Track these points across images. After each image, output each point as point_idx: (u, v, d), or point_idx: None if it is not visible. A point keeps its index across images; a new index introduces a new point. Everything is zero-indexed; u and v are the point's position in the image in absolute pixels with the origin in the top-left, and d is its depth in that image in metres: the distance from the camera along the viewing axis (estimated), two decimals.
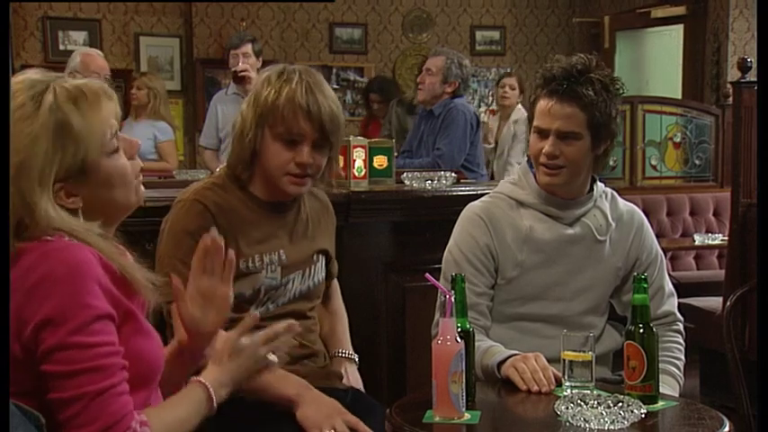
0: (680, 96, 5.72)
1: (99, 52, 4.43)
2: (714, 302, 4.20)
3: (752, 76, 4.34)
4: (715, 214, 5.29)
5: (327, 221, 2.02)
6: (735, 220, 4.04)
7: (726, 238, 4.79)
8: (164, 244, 1.80)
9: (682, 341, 2.03)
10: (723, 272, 4.81)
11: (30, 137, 1.23)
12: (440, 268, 2.01)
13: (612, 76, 1.94)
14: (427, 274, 1.61)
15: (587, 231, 1.99)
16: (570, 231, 1.98)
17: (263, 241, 1.84)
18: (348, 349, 2.02)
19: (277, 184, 1.82)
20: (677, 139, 5.35)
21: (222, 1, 6.39)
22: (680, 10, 5.68)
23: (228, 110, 4.36)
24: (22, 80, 1.27)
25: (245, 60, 4.26)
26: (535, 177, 1.98)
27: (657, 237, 5.69)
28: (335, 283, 2.11)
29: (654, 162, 5.32)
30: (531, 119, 1.98)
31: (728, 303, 2.05)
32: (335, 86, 6.78)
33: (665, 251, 4.69)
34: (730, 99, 5.37)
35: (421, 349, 2.14)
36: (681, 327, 2.04)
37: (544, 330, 1.96)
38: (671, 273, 4.68)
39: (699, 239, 4.70)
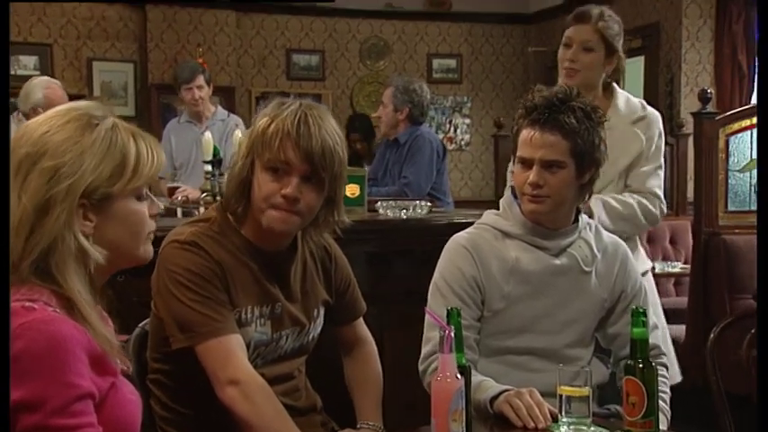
0: None
1: (57, 82, 4.32)
2: (675, 330, 4.24)
3: (712, 107, 4.45)
4: (671, 242, 5.36)
5: (336, 271, 1.88)
6: (697, 249, 4.09)
7: (685, 266, 4.87)
8: (170, 293, 1.64)
9: (666, 374, 2.02)
10: (679, 299, 4.88)
11: (77, 146, 1.23)
12: (419, 299, 1.96)
13: (594, 105, 1.94)
14: (428, 309, 1.57)
15: (574, 262, 1.96)
16: (557, 262, 1.95)
17: (256, 292, 1.71)
18: (378, 422, 1.86)
19: (261, 220, 1.68)
20: None
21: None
22: (636, 42, 5.79)
23: (181, 138, 4.31)
24: (75, 106, 1.29)
25: (200, 92, 4.31)
26: (520, 208, 1.96)
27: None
28: (364, 327, 1.95)
29: None
30: (513, 150, 1.96)
31: (712, 336, 2.05)
32: None
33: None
34: (684, 129, 5.51)
35: (400, 382, 2.08)
36: (665, 360, 2.03)
37: (531, 363, 1.93)
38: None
39: (659, 267, 4.75)
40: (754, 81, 5.47)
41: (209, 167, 3.62)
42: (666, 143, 5.47)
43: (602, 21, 2.42)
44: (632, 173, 2.48)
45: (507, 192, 2.12)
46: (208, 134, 3.76)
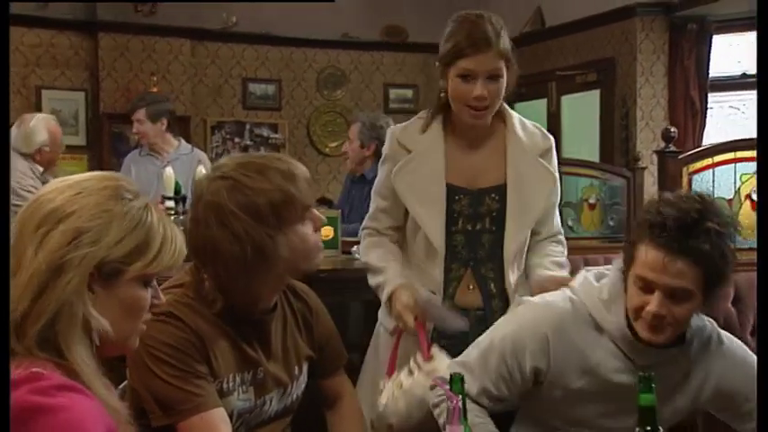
0: (598, 159, 5.90)
1: (53, 117, 4.32)
2: None
3: (674, 146, 4.52)
4: None
5: (317, 323, 1.82)
6: None
7: None
8: (147, 369, 1.57)
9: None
10: None
11: (106, 214, 1.19)
12: None
13: (731, 220, 1.66)
14: (437, 380, 1.51)
15: (656, 382, 1.56)
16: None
17: (236, 358, 1.64)
18: None
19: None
20: (592, 201, 5.49)
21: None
22: (592, 76, 5.88)
23: (142, 172, 4.23)
24: (112, 175, 1.27)
25: (139, 126, 4.29)
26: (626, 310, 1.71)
27: None
28: (346, 380, 1.89)
29: (570, 223, 5.44)
30: (628, 260, 1.67)
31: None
32: (249, 142, 6.65)
33: None
34: (641, 162, 5.60)
35: None
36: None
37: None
38: None
39: None
40: (706, 117, 5.60)
41: (170, 204, 3.53)
42: (623, 176, 5.63)
43: (501, 39, 2.00)
44: (542, 217, 2.12)
45: (615, 274, 1.74)
46: (169, 169, 3.68)
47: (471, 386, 1.72)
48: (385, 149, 2.13)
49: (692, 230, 1.58)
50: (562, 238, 2.20)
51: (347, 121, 6.88)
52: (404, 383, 1.88)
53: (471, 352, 1.81)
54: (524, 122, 2.13)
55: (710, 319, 1.79)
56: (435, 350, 1.94)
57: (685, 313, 1.64)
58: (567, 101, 6.27)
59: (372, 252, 2.13)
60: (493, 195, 2.05)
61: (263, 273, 1.58)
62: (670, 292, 1.60)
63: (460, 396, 1.47)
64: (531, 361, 1.72)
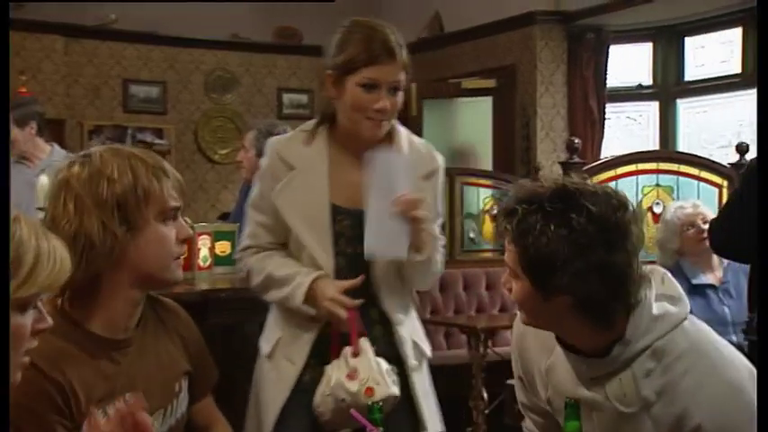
0: (490, 168, 5.78)
1: None
2: None
3: (580, 157, 4.45)
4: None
5: (189, 336, 1.67)
6: None
7: None
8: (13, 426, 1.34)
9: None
10: None
11: None
12: None
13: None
14: (353, 412, 1.45)
15: (605, 400, 1.43)
16: (585, 393, 1.44)
17: (106, 389, 1.48)
18: None
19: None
20: (493, 212, 5.38)
21: None
22: (490, 83, 5.77)
23: (12, 180, 3.79)
24: None
25: None
26: None
27: (477, 312, 5.60)
28: (215, 406, 1.73)
29: (472, 235, 5.31)
30: None
31: None
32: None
33: (489, 330, 4.69)
34: (541, 173, 5.53)
35: None
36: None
37: None
38: (495, 349, 4.63)
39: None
40: (604, 128, 5.59)
41: (42, 215, 3.18)
42: None
43: (403, 50, 1.93)
44: None
45: None
46: (43, 177, 3.32)
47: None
48: (264, 162, 2.01)
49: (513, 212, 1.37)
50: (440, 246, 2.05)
51: (238, 127, 6.57)
52: (332, 380, 1.88)
53: None
54: (412, 140, 2.04)
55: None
56: (364, 343, 1.90)
57: (518, 293, 1.41)
58: (460, 105, 6.09)
59: (268, 263, 1.97)
60: None
61: (109, 276, 1.47)
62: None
63: (381, 429, 1.38)
64: (516, 370, 1.59)
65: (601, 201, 1.35)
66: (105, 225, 1.42)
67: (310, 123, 2.02)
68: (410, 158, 1.95)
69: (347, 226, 1.96)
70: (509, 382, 4.38)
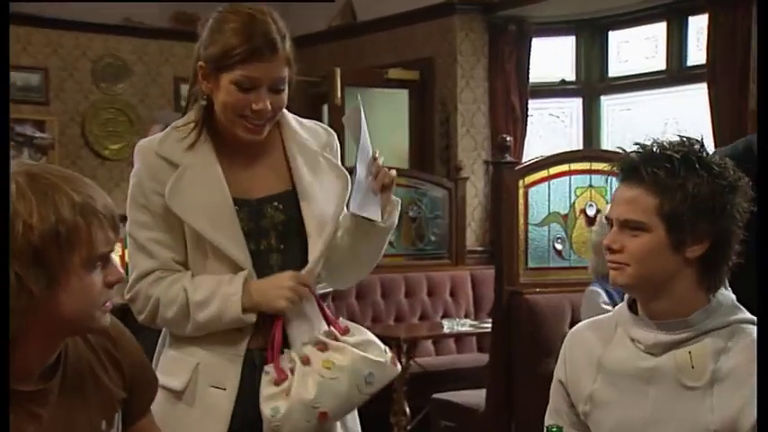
0: (407, 166, 5.44)
1: None
2: (476, 398, 3.86)
3: (510, 156, 4.14)
4: (451, 294, 5.05)
5: (123, 354, 1.47)
6: (499, 309, 3.74)
7: (474, 322, 4.55)
8: None
9: None
10: (480, 356, 4.54)
11: None
12: None
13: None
14: None
15: (671, 368, 1.48)
16: (646, 364, 1.49)
17: None
18: None
19: None
20: (412, 214, 5.04)
21: None
22: (413, 74, 5.41)
23: None
24: None
25: None
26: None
27: (396, 321, 5.33)
28: (152, 423, 1.54)
29: (390, 238, 4.94)
30: None
31: None
32: (11, 143, 5.54)
33: (411, 340, 4.37)
34: (462, 173, 5.23)
35: None
36: None
37: None
38: (417, 360, 4.31)
39: (448, 326, 4.37)
40: (527, 125, 5.33)
41: None
42: (444, 187, 5.22)
43: (286, 41, 1.72)
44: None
45: None
46: None
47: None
48: (138, 169, 1.78)
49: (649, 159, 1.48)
50: None
51: (130, 120, 6.05)
52: (336, 362, 1.70)
53: None
54: (301, 120, 1.89)
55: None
56: (347, 322, 1.80)
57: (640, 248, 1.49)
58: (380, 96, 5.69)
59: (179, 289, 1.74)
60: (276, 204, 1.79)
61: (23, 328, 1.25)
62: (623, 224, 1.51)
63: None
64: (558, 373, 1.64)
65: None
66: (21, 279, 1.20)
67: (184, 120, 1.80)
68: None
69: (245, 218, 1.78)
70: (435, 396, 4.11)
